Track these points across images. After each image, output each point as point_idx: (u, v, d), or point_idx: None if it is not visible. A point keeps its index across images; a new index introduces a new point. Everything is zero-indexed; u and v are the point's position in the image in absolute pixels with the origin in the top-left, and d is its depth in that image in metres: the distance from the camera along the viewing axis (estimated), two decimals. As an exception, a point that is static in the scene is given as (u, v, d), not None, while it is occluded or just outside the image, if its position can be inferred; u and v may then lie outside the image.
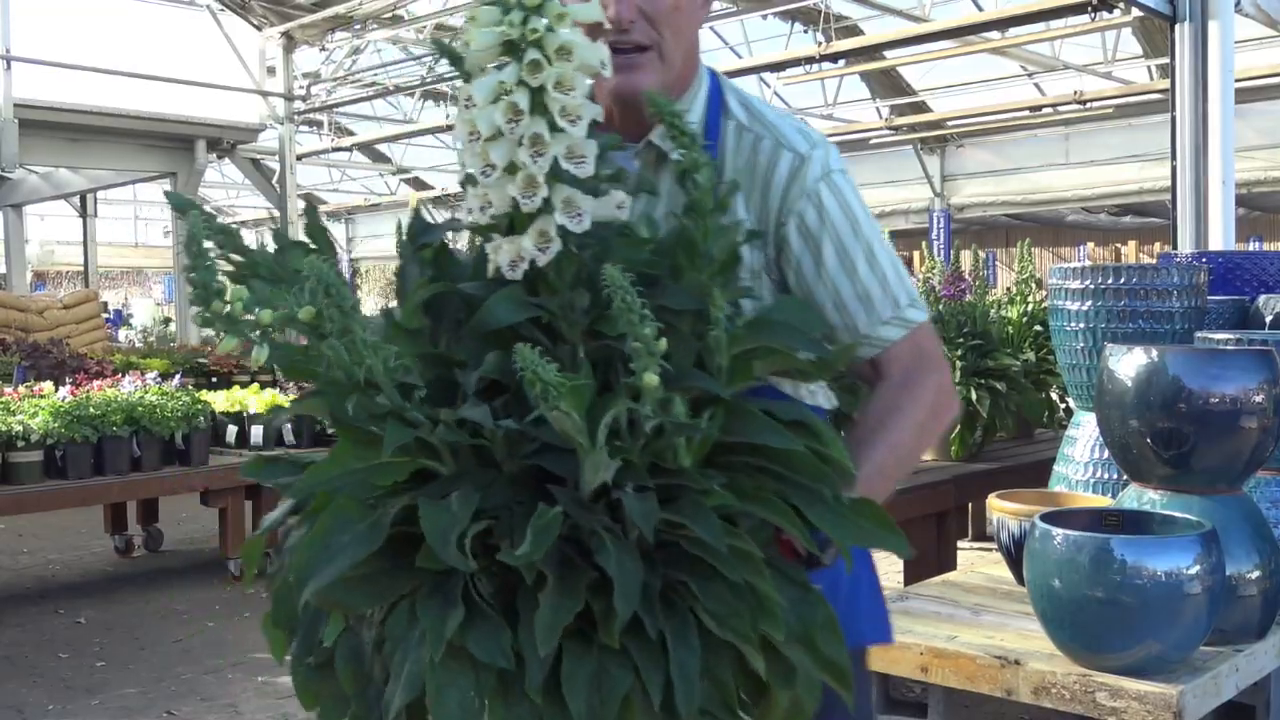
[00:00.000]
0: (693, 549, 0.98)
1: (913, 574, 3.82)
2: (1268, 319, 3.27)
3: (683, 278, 1.09)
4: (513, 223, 1.04)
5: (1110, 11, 7.18)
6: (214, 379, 8.21)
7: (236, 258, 1.07)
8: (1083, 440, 3.25)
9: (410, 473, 1.02)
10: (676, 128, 1.06)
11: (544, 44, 0.99)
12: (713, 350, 1.05)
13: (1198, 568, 2.25)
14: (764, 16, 11.79)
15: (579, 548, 0.98)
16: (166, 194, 1.08)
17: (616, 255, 1.06)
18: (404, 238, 1.15)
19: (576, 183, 1.03)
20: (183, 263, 0.90)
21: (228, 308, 0.94)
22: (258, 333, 0.97)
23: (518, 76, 0.99)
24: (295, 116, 13.16)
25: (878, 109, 15.29)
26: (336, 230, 22.72)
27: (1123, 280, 3.13)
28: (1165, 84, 6.75)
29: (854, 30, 12.32)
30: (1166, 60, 6.25)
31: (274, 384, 7.68)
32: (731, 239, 1.09)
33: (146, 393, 5.66)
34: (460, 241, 1.24)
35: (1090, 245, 18.03)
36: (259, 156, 13.57)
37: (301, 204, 15.63)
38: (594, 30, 1.31)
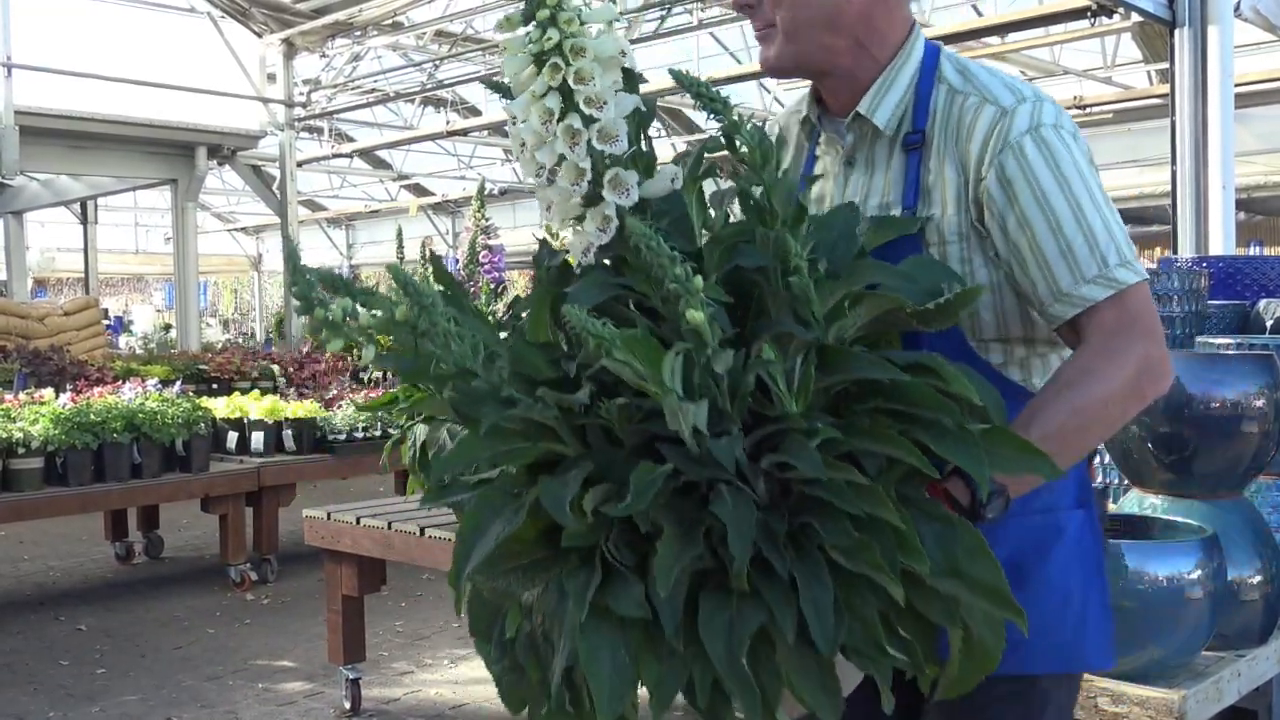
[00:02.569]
0: (811, 490, 1.01)
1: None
2: (1268, 323, 3.26)
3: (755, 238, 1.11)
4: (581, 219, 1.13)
5: (1110, 17, 7.17)
6: (214, 385, 8.21)
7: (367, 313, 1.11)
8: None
9: (546, 458, 1.08)
10: (703, 95, 1.08)
11: (562, 49, 1.07)
12: (801, 300, 1.06)
13: (1199, 573, 2.25)
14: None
15: (702, 502, 1.02)
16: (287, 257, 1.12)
17: (686, 225, 1.12)
18: (537, 267, 1.23)
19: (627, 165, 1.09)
20: (286, 279, 0.96)
21: (329, 314, 1.01)
22: (362, 335, 1.03)
23: (545, 84, 1.07)
24: (295, 123, 13.18)
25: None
26: (336, 237, 22.74)
27: (1123, 285, 3.11)
28: (1165, 89, 6.75)
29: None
30: (1166, 65, 6.25)
31: (274, 390, 7.68)
32: (790, 188, 1.09)
33: (147, 399, 5.66)
34: None
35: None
36: (259, 163, 13.59)
37: (303, 210, 15.66)
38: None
